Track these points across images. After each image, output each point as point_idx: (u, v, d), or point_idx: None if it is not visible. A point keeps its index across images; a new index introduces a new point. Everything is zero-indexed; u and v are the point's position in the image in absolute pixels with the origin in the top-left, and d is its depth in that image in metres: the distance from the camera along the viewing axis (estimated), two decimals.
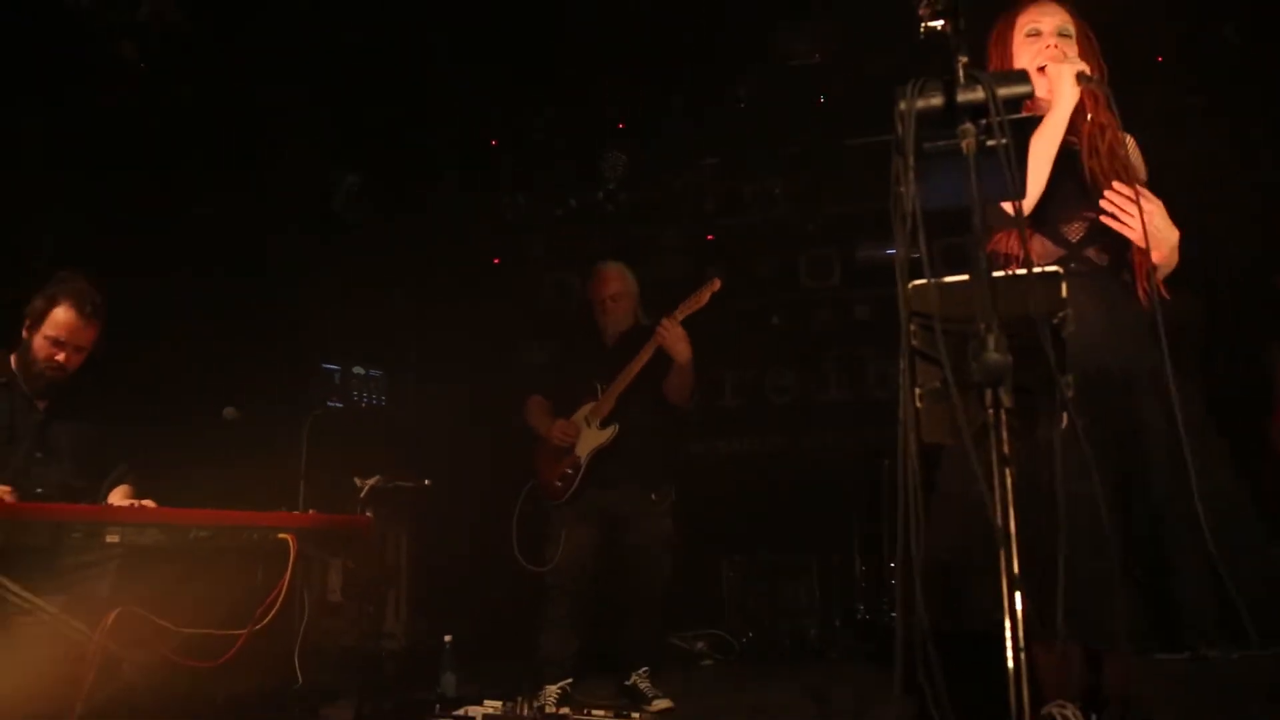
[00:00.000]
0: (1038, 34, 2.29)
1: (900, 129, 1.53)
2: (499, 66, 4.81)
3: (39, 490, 3.02)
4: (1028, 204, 2.12)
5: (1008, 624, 1.36)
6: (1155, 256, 2.20)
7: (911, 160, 1.51)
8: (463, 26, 4.62)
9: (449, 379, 4.77)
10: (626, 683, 3.74)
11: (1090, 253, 2.23)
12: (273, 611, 2.91)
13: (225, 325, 4.19)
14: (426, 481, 4.06)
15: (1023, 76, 1.54)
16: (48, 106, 4.07)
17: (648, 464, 3.69)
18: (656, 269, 5.83)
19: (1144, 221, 2.07)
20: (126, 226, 4.00)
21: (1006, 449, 1.41)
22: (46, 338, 3.04)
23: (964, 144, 1.50)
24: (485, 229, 5.52)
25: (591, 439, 3.69)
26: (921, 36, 1.58)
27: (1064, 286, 1.49)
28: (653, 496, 3.66)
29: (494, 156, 5.35)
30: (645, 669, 3.73)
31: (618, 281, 3.91)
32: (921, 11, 1.56)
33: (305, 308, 4.50)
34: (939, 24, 1.56)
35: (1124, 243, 2.24)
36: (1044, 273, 1.50)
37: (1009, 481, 1.40)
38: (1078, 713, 1.54)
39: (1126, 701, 2.21)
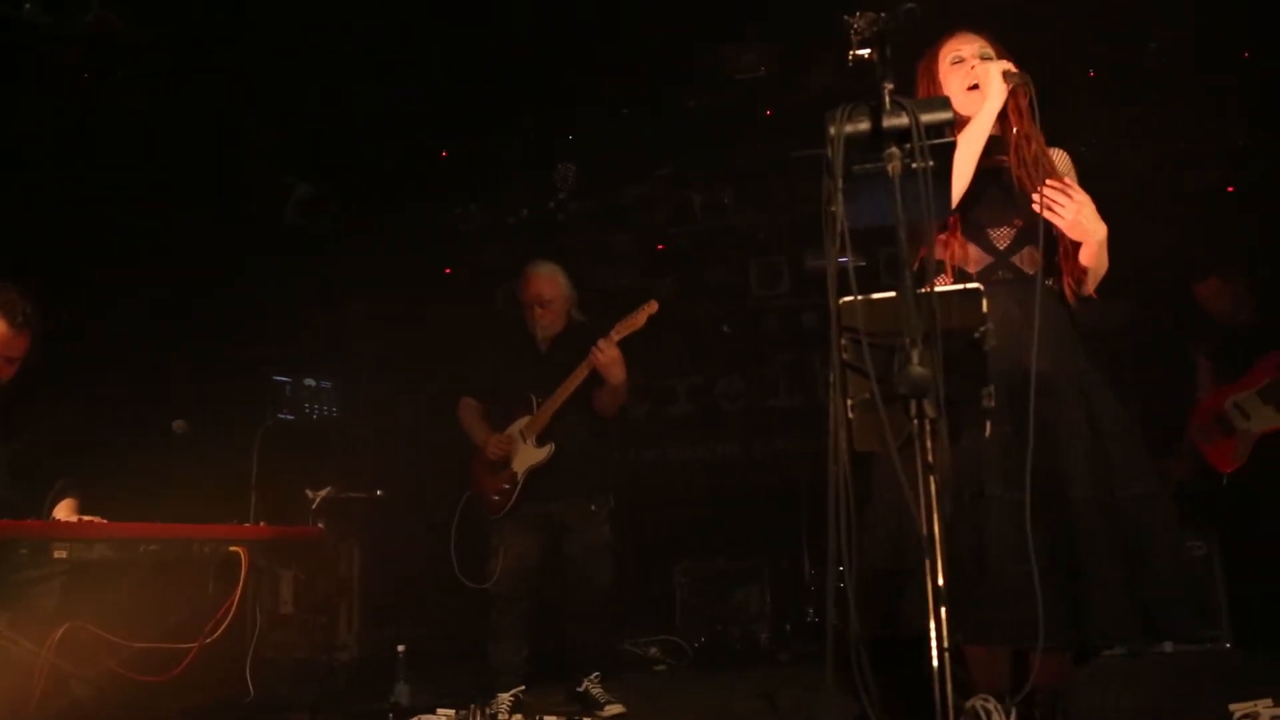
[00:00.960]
0: (960, 60, 2.41)
1: (830, 152, 1.62)
2: (449, 80, 4.84)
3: None
4: (955, 196, 2.22)
5: (931, 625, 1.45)
6: (1084, 256, 2.31)
7: (840, 182, 1.60)
8: (413, 41, 4.65)
9: (401, 389, 4.79)
10: (579, 689, 3.77)
11: (1018, 259, 2.34)
12: (224, 624, 2.93)
13: (175, 336, 4.16)
14: (379, 492, 4.07)
15: (945, 103, 1.64)
16: None
17: (585, 477, 3.72)
18: (608, 277, 5.91)
19: (1076, 212, 2.19)
20: (71, 236, 3.97)
21: (931, 458, 1.49)
22: None
23: (889, 167, 1.59)
24: (438, 239, 5.54)
25: (528, 456, 3.70)
26: (850, 65, 1.67)
27: (984, 302, 1.59)
28: (592, 507, 3.70)
29: (445, 168, 5.37)
30: (596, 674, 3.77)
31: (549, 285, 3.86)
32: (850, 40, 1.65)
33: (256, 319, 4.47)
34: (866, 53, 1.66)
35: (1051, 250, 2.36)
36: (965, 289, 1.60)
37: (934, 489, 1.48)
38: (999, 706, 1.62)
39: (1053, 695, 2.33)
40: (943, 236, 2.37)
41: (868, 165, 1.62)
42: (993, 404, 1.62)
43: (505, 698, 3.58)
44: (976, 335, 1.58)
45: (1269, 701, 2.80)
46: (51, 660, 2.59)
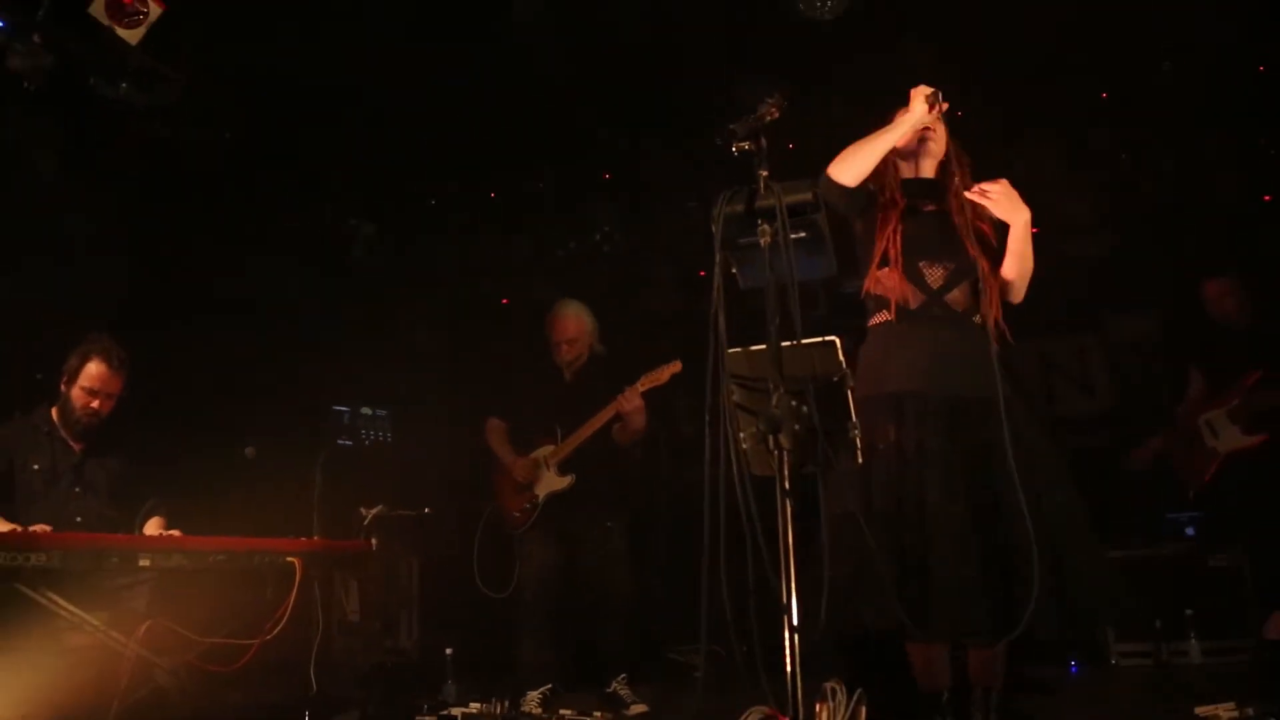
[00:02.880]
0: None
1: (714, 229, 2.01)
2: (497, 126, 5.37)
3: (78, 520, 3.61)
4: (855, 174, 2.59)
5: (786, 620, 1.80)
6: (1011, 258, 2.65)
7: (720, 254, 1.98)
8: (461, 90, 5.19)
9: (451, 416, 5.30)
10: (607, 690, 4.18)
11: (950, 298, 2.67)
12: (281, 624, 3.44)
13: (246, 371, 4.77)
14: (427, 510, 4.58)
15: (808, 185, 2.01)
16: (77, 179, 4.69)
17: (602, 499, 4.16)
18: (651, 302, 6.31)
19: (1001, 191, 2.55)
20: (157, 283, 4.62)
21: (788, 484, 1.85)
22: (82, 389, 3.64)
23: (761, 240, 1.97)
24: (490, 273, 6.06)
25: (550, 483, 4.16)
26: (735, 156, 2.05)
27: (839, 352, 1.94)
28: (608, 524, 4.12)
29: (495, 206, 5.91)
30: (624, 676, 4.16)
31: (574, 325, 4.32)
32: (733, 134, 2.04)
33: (319, 354, 5.07)
34: (747, 145, 2.04)
35: (977, 289, 2.68)
36: (823, 342, 1.95)
37: (789, 508, 1.84)
38: (841, 688, 1.93)
39: (987, 689, 2.62)
40: (883, 274, 2.71)
41: (746, 239, 2.00)
42: (857, 434, 1.97)
43: (534, 695, 4.02)
44: (836, 379, 1.94)
45: (1231, 705, 3.02)
46: (137, 651, 3.14)
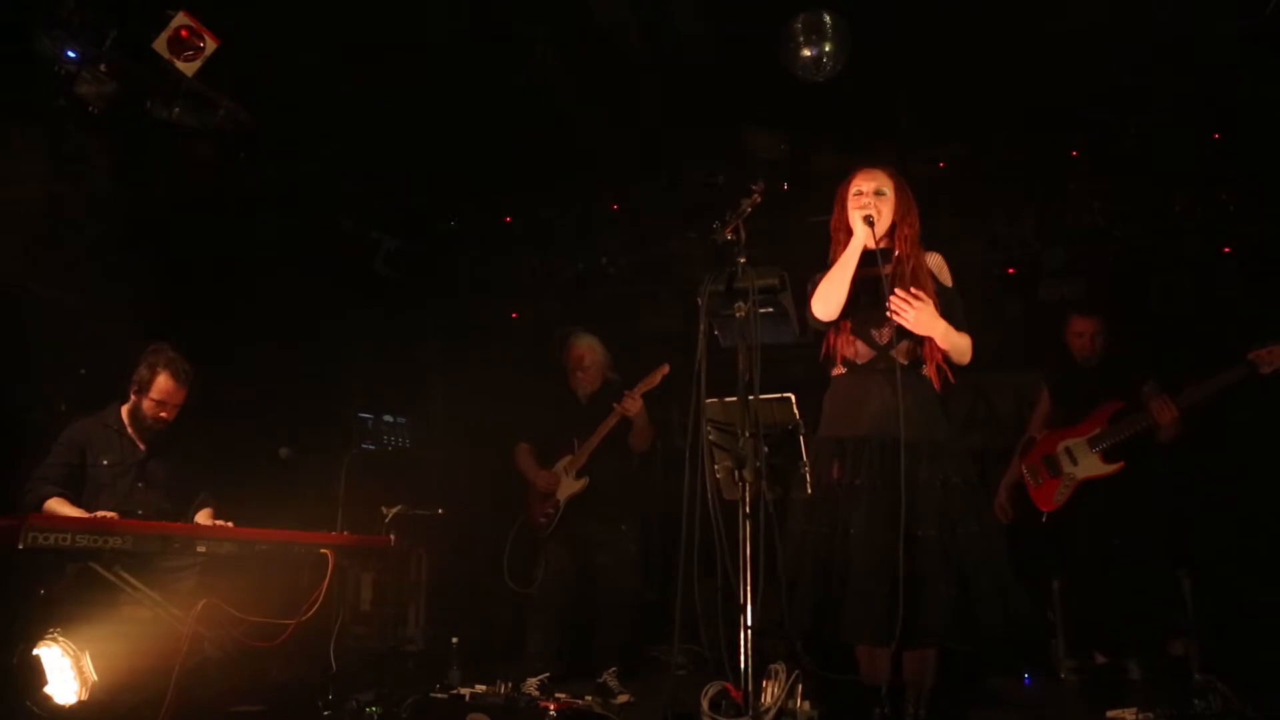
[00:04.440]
0: (860, 194, 3.27)
1: (700, 304, 2.58)
2: (516, 158, 5.95)
3: (139, 512, 4.15)
4: (833, 308, 3.12)
5: (744, 619, 2.35)
6: (939, 344, 3.16)
7: (705, 323, 2.55)
8: (484, 125, 5.76)
9: (463, 425, 5.89)
10: (599, 680, 4.75)
11: (895, 353, 3.15)
12: (315, 608, 4.01)
13: (282, 381, 5.35)
14: (440, 510, 5.17)
15: (776, 271, 2.57)
16: (139, 206, 5.25)
17: (614, 504, 4.83)
18: (653, 321, 6.88)
19: (915, 317, 3.05)
20: (201, 303, 5.18)
21: (749, 508, 2.41)
22: (152, 400, 4.20)
23: (737, 313, 2.54)
24: (503, 291, 6.65)
25: (569, 487, 4.84)
26: (719, 245, 2.62)
27: (794, 406, 2.51)
28: (622, 527, 4.76)
29: (510, 230, 6.50)
30: (614, 669, 4.73)
31: (588, 354, 5.05)
32: (715, 229, 2.60)
33: (346, 366, 5.66)
34: (729, 237, 2.60)
35: (921, 344, 3.20)
36: (780, 398, 2.51)
37: (748, 529, 2.39)
38: (783, 669, 2.47)
39: (919, 686, 3.16)
40: (839, 334, 3.25)
41: (725, 311, 2.56)
42: (807, 470, 2.54)
43: (533, 681, 4.57)
44: (790, 427, 2.50)
45: (1134, 709, 3.57)
46: (193, 626, 3.70)
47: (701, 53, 5.17)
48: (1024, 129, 5.67)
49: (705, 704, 2.31)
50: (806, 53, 4.80)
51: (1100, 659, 4.65)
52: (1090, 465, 4.60)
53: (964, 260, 6.15)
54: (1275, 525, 4.95)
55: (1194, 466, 5.04)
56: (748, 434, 2.42)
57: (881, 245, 3.21)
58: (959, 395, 6.31)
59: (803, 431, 2.52)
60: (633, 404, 4.73)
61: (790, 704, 2.38)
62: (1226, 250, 5.92)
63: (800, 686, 2.43)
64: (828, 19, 4.81)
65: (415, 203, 6.26)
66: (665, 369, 4.76)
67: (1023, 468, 4.82)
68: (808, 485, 2.57)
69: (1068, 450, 4.68)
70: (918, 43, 4.96)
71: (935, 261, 3.32)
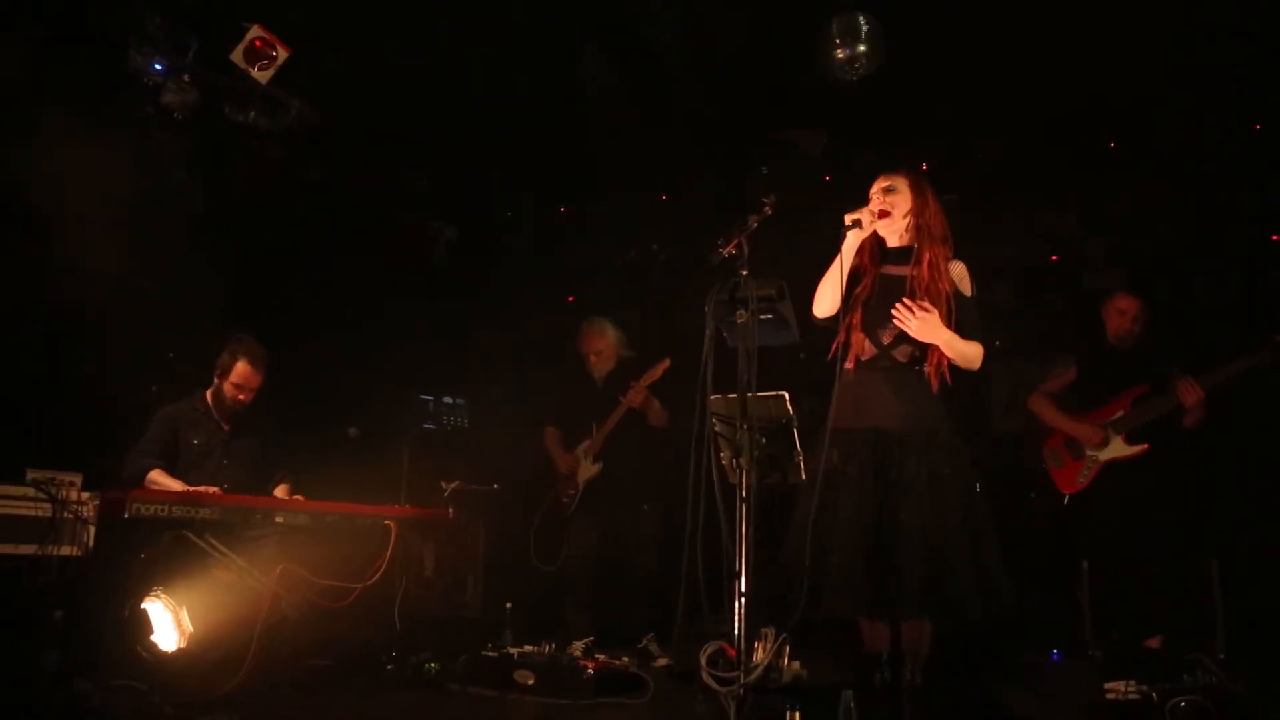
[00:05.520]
0: (872, 195, 3.56)
1: (707, 311, 2.96)
2: (568, 152, 6.36)
3: (225, 486, 4.71)
4: (827, 307, 3.45)
5: (738, 602, 2.74)
6: (945, 352, 3.45)
7: (712, 328, 2.93)
8: (539, 121, 6.17)
9: (517, 406, 6.35)
10: (639, 645, 5.21)
11: (897, 352, 3.47)
12: (379, 573, 4.51)
13: (351, 365, 5.90)
14: (495, 486, 5.66)
15: (775, 282, 2.93)
16: (218, 203, 5.79)
17: (632, 486, 5.25)
18: (698, 309, 7.24)
19: (918, 327, 3.34)
20: (274, 293, 5.73)
21: (745, 493, 2.80)
22: (233, 384, 4.74)
23: (739, 320, 2.91)
24: (555, 279, 7.10)
25: (587, 470, 5.32)
26: (719, 262, 2.98)
27: (788, 401, 2.88)
28: (645, 507, 5.17)
29: (564, 220, 6.95)
30: (652, 635, 5.20)
31: (599, 339, 5.46)
32: (719, 244, 2.97)
33: (409, 352, 6.18)
34: (733, 251, 2.97)
35: (924, 346, 3.49)
36: (774, 395, 2.89)
37: (744, 510, 2.78)
38: (772, 632, 2.84)
39: (914, 655, 3.49)
40: (850, 329, 3.54)
41: (730, 318, 2.94)
42: (801, 459, 2.91)
43: (578, 644, 5.04)
44: (784, 421, 2.88)
45: (1134, 682, 3.85)
46: (273, 588, 4.24)
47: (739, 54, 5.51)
48: (1065, 121, 5.82)
49: (703, 661, 2.71)
50: (840, 53, 5.08)
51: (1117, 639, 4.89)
52: (1115, 447, 4.73)
53: (1006, 250, 6.50)
54: None
55: (1221, 455, 5.12)
56: (744, 426, 2.79)
57: (903, 243, 3.53)
58: (999, 384, 6.63)
59: (796, 425, 2.89)
60: (636, 396, 5.15)
61: (779, 663, 2.77)
62: (1275, 238, 6.03)
63: (788, 648, 2.82)
64: (862, 20, 5.10)
65: (473, 195, 6.71)
66: (666, 363, 5.14)
67: (1046, 450, 4.97)
68: (801, 472, 2.94)
69: None
70: (955, 33, 5.14)
71: (958, 271, 3.52)
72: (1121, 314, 4.90)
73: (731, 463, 2.90)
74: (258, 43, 5.50)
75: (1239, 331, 5.50)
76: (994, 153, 6.14)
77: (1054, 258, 6.52)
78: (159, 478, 4.54)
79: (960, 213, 6.22)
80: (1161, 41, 5.09)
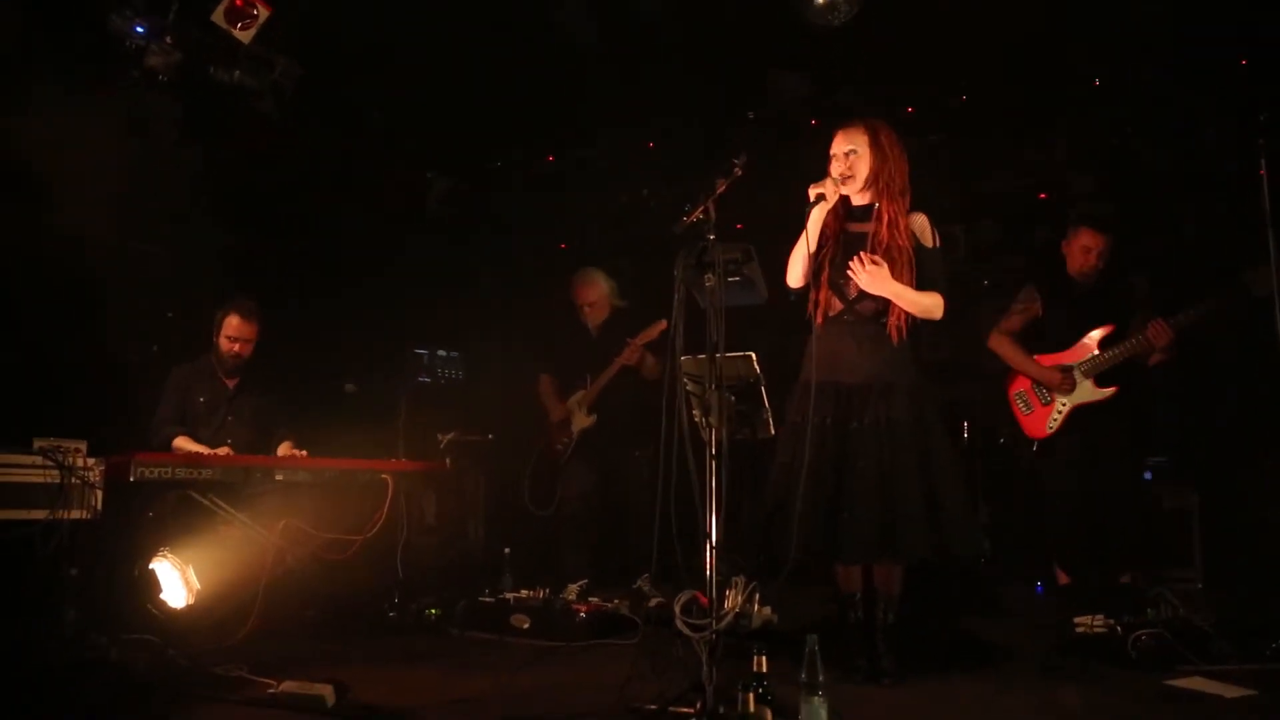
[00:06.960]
0: (834, 157, 3.63)
1: (676, 275, 3.09)
2: (554, 100, 6.41)
3: (229, 442, 4.90)
4: (797, 276, 3.58)
5: (709, 539, 2.92)
6: (899, 303, 3.52)
7: (680, 291, 3.07)
8: (526, 70, 6.21)
9: (511, 357, 6.52)
10: (634, 586, 5.42)
11: (861, 307, 3.57)
12: (378, 526, 4.73)
13: (347, 320, 6.06)
14: (490, 436, 5.85)
15: (742, 246, 3.05)
16: (210, 163, 5.89)
17: (624, 432, 5.43)
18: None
19: (868, 280, 3.47)
20: (269, 250, 5.86)
21: (713, 448, 2.95)
22: (227, 338, 4.93)
23: (707, 283, 3.05)
24: (549, 226, 7.21)
25: (581, 421, 5.49)
26: (683, 228, 3.10)
27: (754, 362, 3.03)
28: (636, 453, 5.35)
29: (553, 168, 7.03)
30: (647, 575, 5.40)
31: (592, 289, 5.59)
32: (687, 211, 3.08)
33: (403, 305, 6.33)
34: (700, 216, 3.09)
35: (886, 300, 3.60)
36: (741, 355, 3.03)
37: (714, 465, 2.94)
38: (743, 580, 3.02)
39: (887, 598, 3.67)
40: (816, 291, 3.66)
41: (699, 281, 3.07)
42: (769, 416, 3.07)
43: (573, 587, 5.26)
44: (751, 380, 3.03)
45: (1101, 617, 4.04)
46: (276, 542, 4.47)
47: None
48: (1049, 57, 5.83)
49: (678, 609, 2.89)
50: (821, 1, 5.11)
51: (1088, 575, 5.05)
52: (1083, 391, 4.75)
53: (994, 187, 6.56)
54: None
55: (1186, 387, 5.27)
56: (713, 384, 2.94)
57: (866, 201, 3.62)
58: (987, 324, 6.76)
59: (763, 383, 3.04)
60: (632, 354, 5.30)
61: (749, 608, 2.97)
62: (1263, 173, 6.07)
63: (757, 595, 3.01)
64: None
65: (464, 144, 6.78)
66: (664, 324, 5.20)
67: (1012, 394, 4.99)
68: (770, 427, 3.10)
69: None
70: None
71: (919, 223, 3.60)
72: (1086, 250, 4.83)
73: (702, 420, 3.05)
74: (238, 2, 5.54)
75: (1212, 270, 5.59)
76: (979, 90, 6.17)
77: (1042, 195, 6.60)
78: (184, 444, 4.79)
79: (948, 151, 6.40)
80: None
